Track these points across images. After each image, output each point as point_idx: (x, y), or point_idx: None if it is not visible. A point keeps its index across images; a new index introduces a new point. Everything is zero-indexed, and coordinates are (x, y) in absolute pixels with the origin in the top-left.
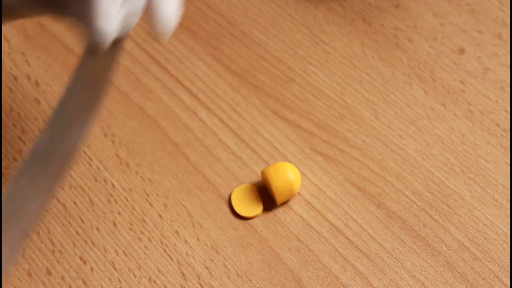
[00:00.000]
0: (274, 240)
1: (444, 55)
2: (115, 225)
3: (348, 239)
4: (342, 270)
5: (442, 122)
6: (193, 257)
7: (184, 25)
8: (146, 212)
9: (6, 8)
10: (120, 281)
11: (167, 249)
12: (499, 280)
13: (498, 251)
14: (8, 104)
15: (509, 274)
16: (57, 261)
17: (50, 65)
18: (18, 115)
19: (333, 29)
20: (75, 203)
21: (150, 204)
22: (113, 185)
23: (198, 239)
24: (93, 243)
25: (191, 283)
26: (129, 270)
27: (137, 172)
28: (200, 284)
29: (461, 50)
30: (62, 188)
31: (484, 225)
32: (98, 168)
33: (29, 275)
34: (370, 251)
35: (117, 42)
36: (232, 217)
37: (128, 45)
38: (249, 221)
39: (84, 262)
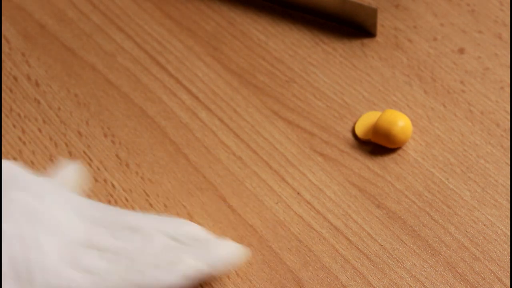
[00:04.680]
0: (274, 240)
1: (444, 55)
2: None
3: (348, 239)
4: (342, 270)
5: (442, 122)
6: None
7: (184, 25)
8: (146, 212)
9: None
10: None
11: None
12: (499, 280)
13: (498, 251)
14: (8, 104)
15: (509, 274)
16: None
17: (50, 65)
18: (18, 115)
19: (333, 29)
20: None
21: (150, 204)
22: (113, 185)
23: None
24: None
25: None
26: None
27: (137, 173)
28: (201, 285)
29: (461, 50)
30: None
31: (484, 225)
32: (98, 169)
33: None
34: (370, 251)
35: None
36: (232, 218)
37: (128, 45)
38: (249, 222)
39: None
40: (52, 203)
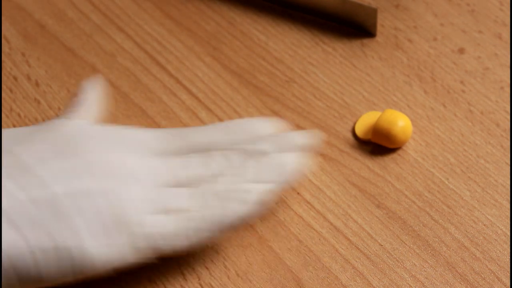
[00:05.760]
0: (274, 240)
1: (444, 55)
2: None
3: (348, 239)
4: (342, 270)
5: (442, 122)
6: (193, 257)
7: (184, 25)
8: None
9: None
10: (119, 281)
11: None
12: (499, 280)
13: (498, 251)
14: (8, 105)
15: (509, 274)
16: None
17: (50, 65)
18: (18, 115)
19: (333, 29)
20: None
21: None
22: None
23: None
24: None
25: (191, 283)
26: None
27: None
28: (200, 284)
29: (461, 50)
30: None
31: (484, 225)
32: None
33: None
34: (370, 251)
35: None
36: None
37: (128, 45)
38: (249, 221)
39: None
40: (124, 151)
